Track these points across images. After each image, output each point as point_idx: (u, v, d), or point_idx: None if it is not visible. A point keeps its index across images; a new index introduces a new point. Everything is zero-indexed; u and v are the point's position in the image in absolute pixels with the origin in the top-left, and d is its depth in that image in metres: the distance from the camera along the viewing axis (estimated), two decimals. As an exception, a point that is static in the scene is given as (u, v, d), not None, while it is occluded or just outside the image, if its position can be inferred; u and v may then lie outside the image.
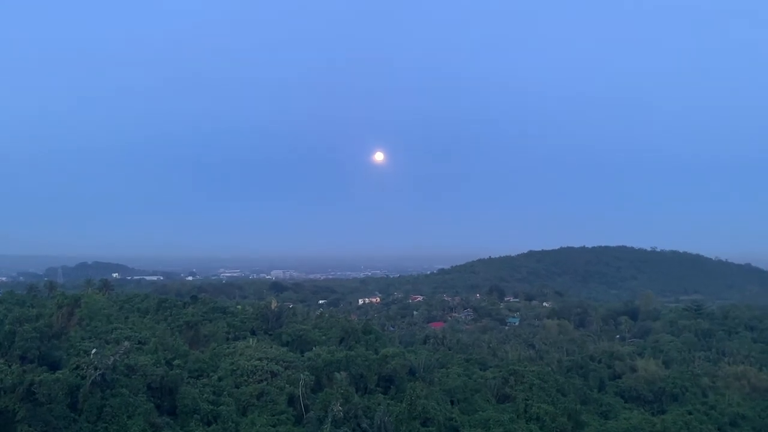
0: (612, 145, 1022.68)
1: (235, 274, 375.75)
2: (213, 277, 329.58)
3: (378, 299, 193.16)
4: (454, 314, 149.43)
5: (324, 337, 61.59)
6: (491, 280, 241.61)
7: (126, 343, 37.64)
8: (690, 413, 44.96)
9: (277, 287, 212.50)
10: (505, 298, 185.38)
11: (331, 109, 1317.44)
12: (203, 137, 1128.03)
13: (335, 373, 42.32)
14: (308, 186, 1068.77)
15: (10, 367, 30.02)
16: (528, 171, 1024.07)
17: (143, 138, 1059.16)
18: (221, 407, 35.83)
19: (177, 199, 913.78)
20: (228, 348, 48.07)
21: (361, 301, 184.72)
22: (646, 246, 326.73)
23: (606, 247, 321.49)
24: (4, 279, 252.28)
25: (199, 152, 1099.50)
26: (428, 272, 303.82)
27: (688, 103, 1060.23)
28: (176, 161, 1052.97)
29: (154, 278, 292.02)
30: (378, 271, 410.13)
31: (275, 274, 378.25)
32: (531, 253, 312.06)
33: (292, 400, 38.65)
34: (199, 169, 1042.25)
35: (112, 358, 32.47)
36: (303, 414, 37.12)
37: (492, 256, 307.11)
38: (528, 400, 43.73)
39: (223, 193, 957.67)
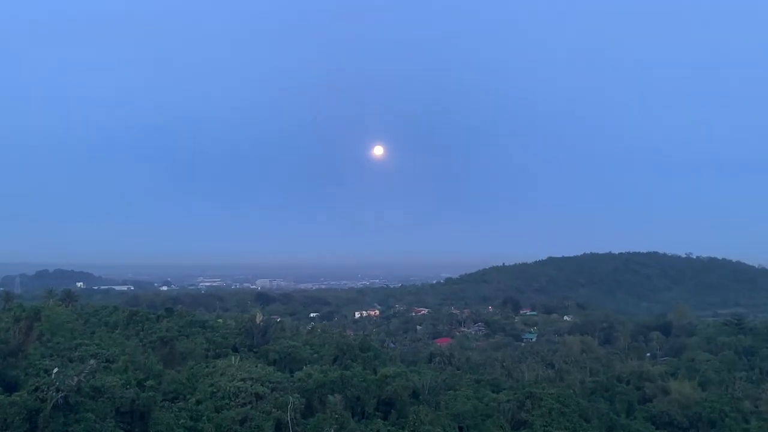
0: (641, 140, 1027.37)
1: (215, 284, 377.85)
2: (190, 287, 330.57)
3: (377, 312, 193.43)
4: (463, 329, 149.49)
5: (316, 355, 62.21)
6: (505, 291, 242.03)
7: (92, 361, 37.66)
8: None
9: (263, 298, 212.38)
10: (521, 311, 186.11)
11: (324, 100, 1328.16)
12: (180, 131, 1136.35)
13: (329, 395, 42.57)
14: (298, 186, 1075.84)
15: (-41, 389, 30.11)
16: (546, 168, 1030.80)
17: (111, 132, 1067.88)
18: (200, 434, 35.90)
19: (150, 200, 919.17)
20: (207, 367, 48.70)
21: (357, 314, 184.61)
22: (681, 252, 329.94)
23: (635, 254, 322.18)
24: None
25: (176, 148, 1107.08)
26: (434, 282, 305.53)
27: (731, 95, 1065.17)
28: (150, 158, 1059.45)
29: (124, 288, 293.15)
30: (377, 281, 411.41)
31: (261, 284, 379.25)
32: (550, 260, 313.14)
33: (279, 427, 38.71)
34: (176, 166, 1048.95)
35: (76, 379, 32.47)
36: (292, 442, 37.11)
37: (506, 264, 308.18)
38: (547, 426, 43.91)
39: (202, 193, 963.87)
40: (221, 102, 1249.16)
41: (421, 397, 47.35)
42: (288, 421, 38.41)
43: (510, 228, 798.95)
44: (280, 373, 48.61)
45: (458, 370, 75.59)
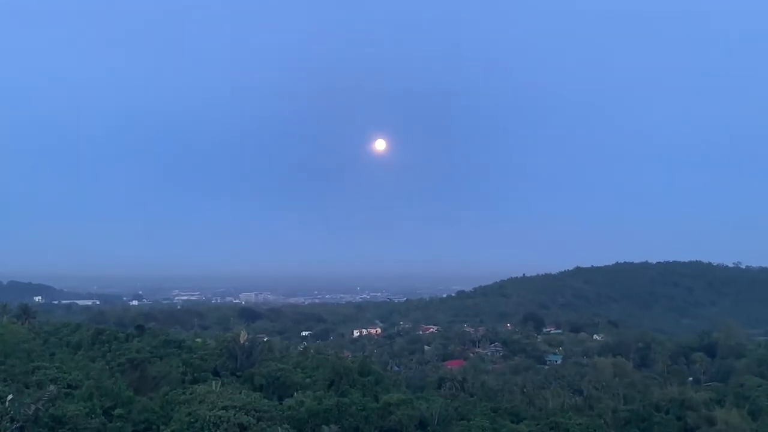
0: (681, 136, 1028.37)
1: (193, 298, 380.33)
2: (164, 302, 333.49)
3: (379, 330, 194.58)
4: (477, 350, 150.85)
5: (309, 380, 62.49)
6: (526, 306, 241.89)
7: (52, 387, 37.95)
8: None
9: (248, 314, 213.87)
10: (545, 329, 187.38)
11: (318, 87, 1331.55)
12: (152, 124, 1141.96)
13: (323, 426, 42.60)
14: (288, 185, 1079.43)
15: None
16: (573, 166, 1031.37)
17: (73, 125, 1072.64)
18: (175, 471, 36.25)
19: (119, 201, 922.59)
20: (184, 393, 48.62)
21: (356, 333, 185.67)
22: (728, 261, 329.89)
23: (675, 263, 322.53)
24: None
25: (147, 143, 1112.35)
26: (444, 295, 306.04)
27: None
28: (118, 154, 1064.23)
29: (89, 302, 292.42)
30: (378, 294, 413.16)
31: (245, 298, 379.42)
32: (578, 271, 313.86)
33: (267, 462, 38.88)
34: (147, 163, 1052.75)
35: (33, 407, 32.46)
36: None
37: (527, 275, 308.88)
38: (574, 462, 43.66)
39: (178, 194, 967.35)
40: (198, 90, 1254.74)
41: (429, 428, 47.47)
42: (277, 456, 38.68)
43: (531, 234, 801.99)
44: (267, 401, 48.67)
45: (472, 396, 75.35)
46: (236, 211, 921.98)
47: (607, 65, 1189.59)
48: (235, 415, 42.38)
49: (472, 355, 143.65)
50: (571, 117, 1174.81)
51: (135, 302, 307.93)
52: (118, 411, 41.18)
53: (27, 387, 44.32)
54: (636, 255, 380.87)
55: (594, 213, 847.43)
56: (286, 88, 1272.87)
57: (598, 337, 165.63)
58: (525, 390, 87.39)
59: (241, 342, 66.51)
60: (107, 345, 67.47)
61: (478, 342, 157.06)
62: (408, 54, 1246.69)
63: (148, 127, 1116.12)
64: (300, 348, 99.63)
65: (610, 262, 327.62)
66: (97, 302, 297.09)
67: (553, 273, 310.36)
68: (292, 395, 52.60)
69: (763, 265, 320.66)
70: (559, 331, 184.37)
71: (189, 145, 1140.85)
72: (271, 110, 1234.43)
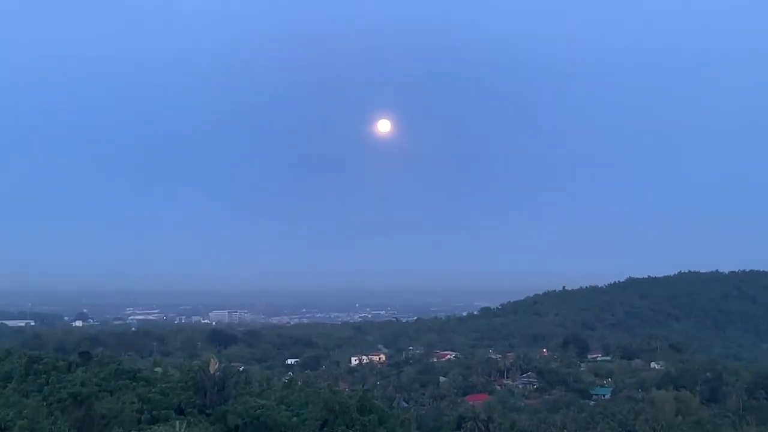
0: (755, 118, 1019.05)
1: (151, 317, 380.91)
2: (116, 322, 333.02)
3: (382, 357, 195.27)
4: (506, 381, 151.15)
5: (296, 419, 62.55)
6: (566, 326, 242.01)
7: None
8: None
9: (220, 338, 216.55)
10: (590, 355, 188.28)
11: (308, 60, 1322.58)
12: (99, 105, 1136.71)
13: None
14: (271, 179, 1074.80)
15: None
16: (623, 155, 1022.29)
17: (10, 109, 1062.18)
18: None
19: (59, 200, 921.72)
20: (141, 436, 49.58)
21: (355, 360, 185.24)
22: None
23: (753, 273, 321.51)
24: None
25: (93, 128, 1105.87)
26: (464, 314, 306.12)
27: None
28: (57, 141, 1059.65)
29: (21, 323, 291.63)
30: (382, 312, 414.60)
31: (216, 318, 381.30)
32: (631, 283, 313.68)
33: None
34: (94, 153, 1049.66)
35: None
36: None
37: (567, 288, 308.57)
38: None
39: (133, 191, 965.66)
40: (159, 64, 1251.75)
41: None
42: None
43: (572, 238, 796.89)
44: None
45: (500, 439, 75.31)
46: (206, 211, 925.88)
47: (651, 41, 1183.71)
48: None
49: (499, 387, 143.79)
50: (618, 100, 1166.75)
51: (79, 323, 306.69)
52: (58, 458, 41.05)
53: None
54: (704, 263, 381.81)
55: (649, 212, 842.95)
56: (268, 68, 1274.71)
57: (656, 366, 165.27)
58: (566, 431, 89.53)
59: (212, 372, 66.71)
60: (44, 376, 67.28)
61: (507, 371, 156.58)
62: (411, 27, 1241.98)
63: (100, 114, 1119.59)
64: (285, 379, 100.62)
65: (672, 271, 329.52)
66: (32, 323, 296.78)
67: (599, 285, 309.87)
68: (275, 438, 53.13)
69: None
70: (608, 357, 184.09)
71: (151, 134, 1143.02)
72: (250, 94, 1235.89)
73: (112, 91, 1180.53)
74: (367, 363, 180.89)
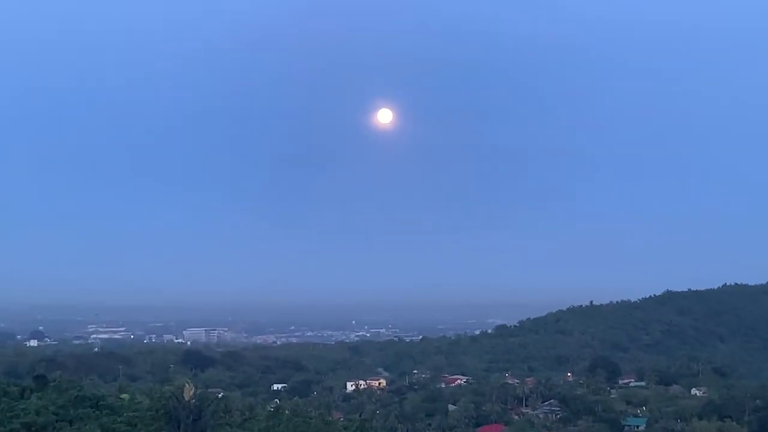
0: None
1: (117, 336, 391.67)
2: (76, 342, 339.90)
3: (383, 382, 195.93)
4: (525, 410, 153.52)
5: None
6: (594, 347, 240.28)
7: None
8: None
9: (196, 359, 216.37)
10: (621, 380, 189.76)
11: (298, 42, 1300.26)
12: (59, 94, 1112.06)
13: None
14: (253, 177, 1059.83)
15: None
16: (657, 148, 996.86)
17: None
18: None
19: (9, 203, 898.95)
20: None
21: (351, 386, 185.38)
22: None
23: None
24: None
25: (51, 121, 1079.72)
26: (476, 332, 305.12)
27: None
28: (9, 138, 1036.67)
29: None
30: (382, 330, 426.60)
31: (191, 336, 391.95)
32: (669, 297, 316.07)
33: None
34: (52, 149, 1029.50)
35: None
36: None
37: (595, 303, 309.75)
38: None
39: (95, 192, 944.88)
40: (140, 46, 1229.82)
41: None
42: None
43: (600, 245, 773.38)
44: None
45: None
46: (180, 213, 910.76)
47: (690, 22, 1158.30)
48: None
49: (516, 417, 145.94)
50: (651, 88, 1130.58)
51: (34, 342, 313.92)
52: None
53: None
54: (752, 274, 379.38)
55: (689, 215, 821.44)
56: (253, 52, 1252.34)
57: (698, 392, 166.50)
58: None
59: (186, 399, 66.34)
60: (-6, 403, 67.74)
61: (526, 399, 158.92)
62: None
63: (59, 103, 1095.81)
64: (270, 407, 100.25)
65: (715, 284, 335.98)
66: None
67: (632, 300, 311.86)
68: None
69: None
70: (642, 383, 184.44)
71: (111, 124, 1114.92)
72: (232, 82, 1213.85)
73: (71, 80, 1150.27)
74: (365, 389, 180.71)
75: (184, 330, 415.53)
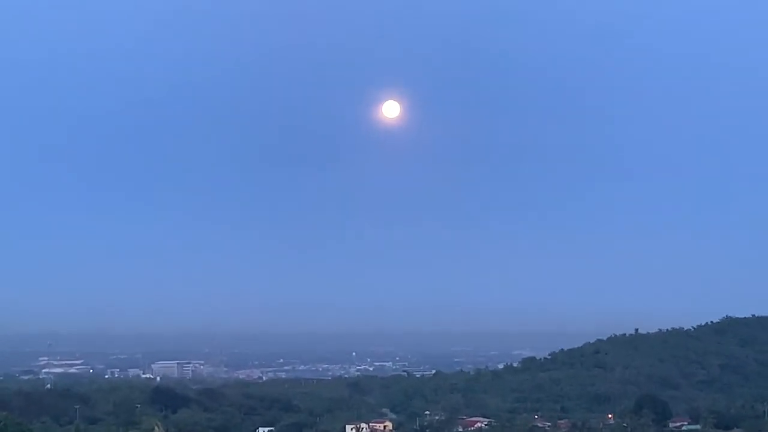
0: None
1: (73, 371, 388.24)
2: (25, 377, 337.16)
3: (389, 425, 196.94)
4: None
5: None
6: (639, 384, 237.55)
7: None
8: None
9: (167, 398, 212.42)
10: (672, 423, 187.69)
11: (296, 32, 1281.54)
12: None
13: None
14: (239, 181, 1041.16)
15: None
16: (715, 149, 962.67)
17: None
18: None
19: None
20: None
21: (351, 429, 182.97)
22: None
23: None
24: None
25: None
26: (500, 366, 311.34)
27: None
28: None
29: None
30: (388, 363, 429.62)
31: (162, 371, 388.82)
32: (729, 325, 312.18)
33: None
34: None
35: None
36: None
37: (641, 331, 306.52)
38: None
39: (42, 197, 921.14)
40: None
41: None
42: None
43: (646, 261, 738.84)
44: None
45: None
46: (145, 222, 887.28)
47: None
48: None
49: None
50: (712, 78, 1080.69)
51: None
52: None
53: None
54: None
55: (752, 229, 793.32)
56: (240, 32, 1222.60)
57: None
58: None
59: None
60: None
61: None
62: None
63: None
64: None
65: None
66: None
67: (685, 328, 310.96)
68: None
69: None
70: (697, 426, 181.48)
71: (54, 115, 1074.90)
72: (210, 67, 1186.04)
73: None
74: None
75: (153, 363, 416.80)
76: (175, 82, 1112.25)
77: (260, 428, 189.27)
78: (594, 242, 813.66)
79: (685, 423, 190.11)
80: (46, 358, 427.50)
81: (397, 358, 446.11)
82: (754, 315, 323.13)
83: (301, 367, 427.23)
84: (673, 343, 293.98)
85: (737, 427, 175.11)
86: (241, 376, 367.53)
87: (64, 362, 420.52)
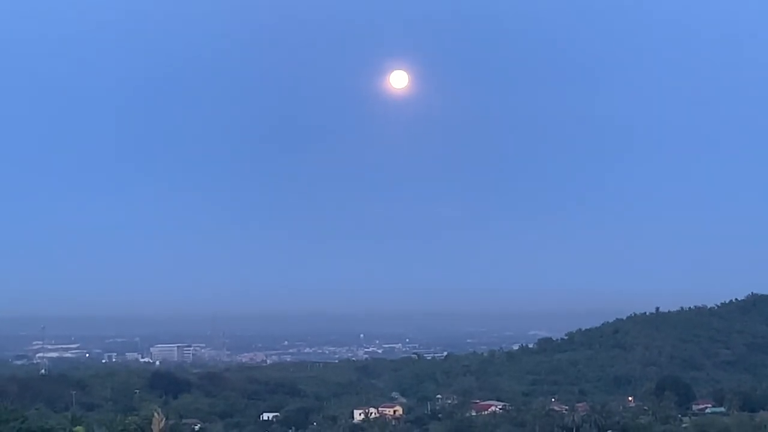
0: None
1: (68, 355, 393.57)
2: (18, 362, 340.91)
3: (399, 410, 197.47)
4: None
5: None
6: (661, 365, 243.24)
7: None
8: None
9: (167, 383, 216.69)
10: (695, 405, 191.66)
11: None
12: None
13: None
14: (237, 161, 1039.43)
15: None
16: (736, 121, 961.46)
17: None
18: None
19: None
20: None
21: (359, 415, 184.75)
22: None
23: None
24: None
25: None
26: (515, 347, 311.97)
27: None
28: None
29: None
30: (397, 345, 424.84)
31: (161, 355, 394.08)
32: (754, 302, 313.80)
33: None
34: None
35: None
36: None
37: (662, 310, 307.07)
38: None
39: (35, 179, 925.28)
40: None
41: None
42: None
43: (665, 236, 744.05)
44: None
45: None
46: (143, 203, 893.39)
47: None
48: None
49: None
50: (737, 51, 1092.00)
51: None
52: None
53: None
54: None
55: None
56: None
57: None
58: None
59: (157, 430, 72.15)
60: None
61: (577, 429, 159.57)
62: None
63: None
64: None
65: None
66: None
67: (708, 306, 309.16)
68: None
69: None
70: (721, 408, 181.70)
71: (48, 99, 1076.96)
72: (200, 37, 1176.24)
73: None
74: (376, 418, 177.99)
75: (152, 347, 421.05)
76: (179, 58, 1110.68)
77: (265, 413, 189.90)
78: (614, 220, 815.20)
79: (709, 405, 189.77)
80: (40, 342, 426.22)
81: (407, 340, 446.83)
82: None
83: (307, 350, 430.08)
84: (696, 321, 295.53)
85: (764, 410, 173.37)
86: (244, 360, 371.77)
87: (59, 346, 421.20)
